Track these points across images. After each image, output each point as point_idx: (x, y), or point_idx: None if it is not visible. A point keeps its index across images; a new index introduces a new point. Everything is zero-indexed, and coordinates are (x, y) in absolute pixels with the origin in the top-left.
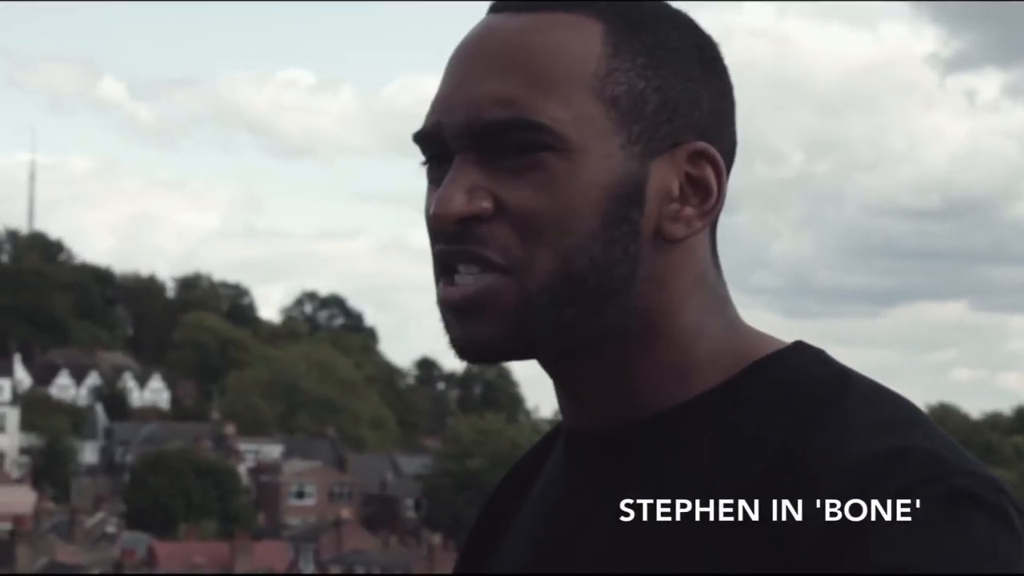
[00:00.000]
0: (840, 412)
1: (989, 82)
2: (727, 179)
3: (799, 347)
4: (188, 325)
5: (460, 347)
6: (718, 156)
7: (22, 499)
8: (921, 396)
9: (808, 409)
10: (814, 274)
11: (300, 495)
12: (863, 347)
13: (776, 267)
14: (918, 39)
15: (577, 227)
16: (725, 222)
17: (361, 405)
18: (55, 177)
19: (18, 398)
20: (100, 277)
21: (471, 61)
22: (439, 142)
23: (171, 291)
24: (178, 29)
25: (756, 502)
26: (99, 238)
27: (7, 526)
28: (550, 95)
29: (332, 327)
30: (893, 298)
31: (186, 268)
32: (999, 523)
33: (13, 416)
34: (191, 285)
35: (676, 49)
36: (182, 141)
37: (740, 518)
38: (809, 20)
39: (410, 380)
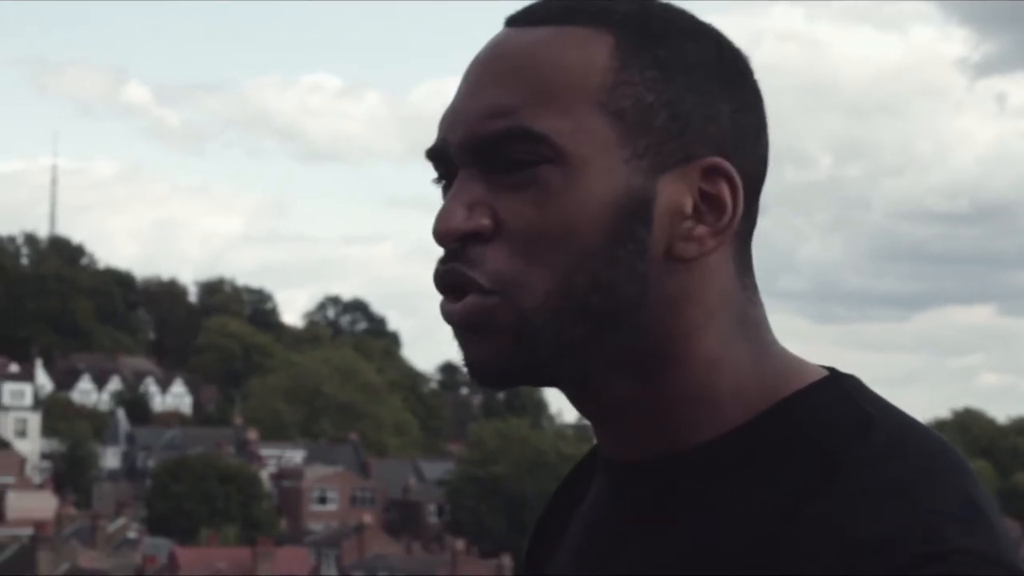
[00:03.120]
0: (849, 474)
1: (1019, 85)
2: (746, 195)
3: (828, 382)
4: (211, 330)
5: (472, 369)
6: (733, 172)
7: (44, 504)
8: (947, 401)
9: (816, 466)
10: (842, 278)
11: (322, 500)
12: (890, 351)
13: (803, 271)
14: (948, 42)
15: (576, 243)
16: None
17: (384, 410)
18: (80, 182)
19: (40, 403)
20: (122, 281)
21: (477, 76)
22: (447, 159)
23: (193, 296)
24: (204, 34)
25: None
26: (123, 243)
27: (29, 531)
28: (549, 105)
29: (355, 332)
30: (921, 303)
31: (210, 273)
32: None
33: (35, 421)
34: (214, 290)
35: (693, 63)
36: (208, 145)
37: None
38: (838, 23)
39: (433, 385)
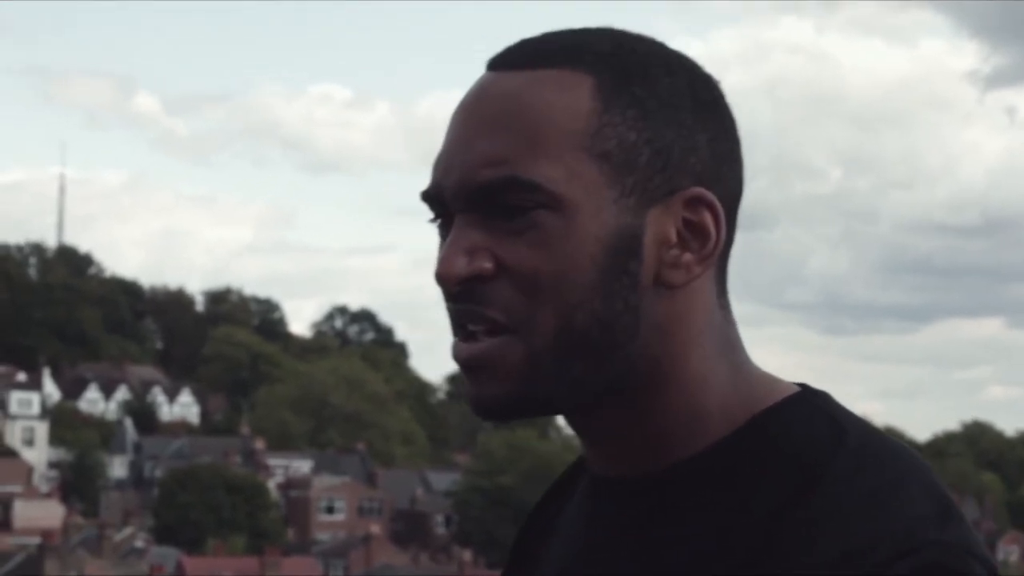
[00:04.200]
0: (828, 484)
1: None
2: (727, 222)
3: (800, 397)
4: (218, 339)
5: (474, 405)
6: (715, 201)
7: (51, 513)
8: (955, 413)
9: (796, 478)
10: (849, 291)
11: (330, 510)
12: (897, 364)
13: (811, 283)
14: (958, 55)
15: (576, 283)
16: (761, 238)
17: (391, 420)
18: (87, 191)
19: (47, 412)
20: (129, 291)
21: (466, 122)
22: (443, 202)
23: (200, 305)
24: (212, 44)
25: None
26: (130, 252)
27: (36, 540)
28: (541, 154)
29: (362, 342)
30: (928, 315)
31: (217, 283)
32: None
33: (42, 430)
34: (221, 299)
35: (669, 97)
36: (215, 156)
37: None
38: (847, 36)
39: (441, 395)
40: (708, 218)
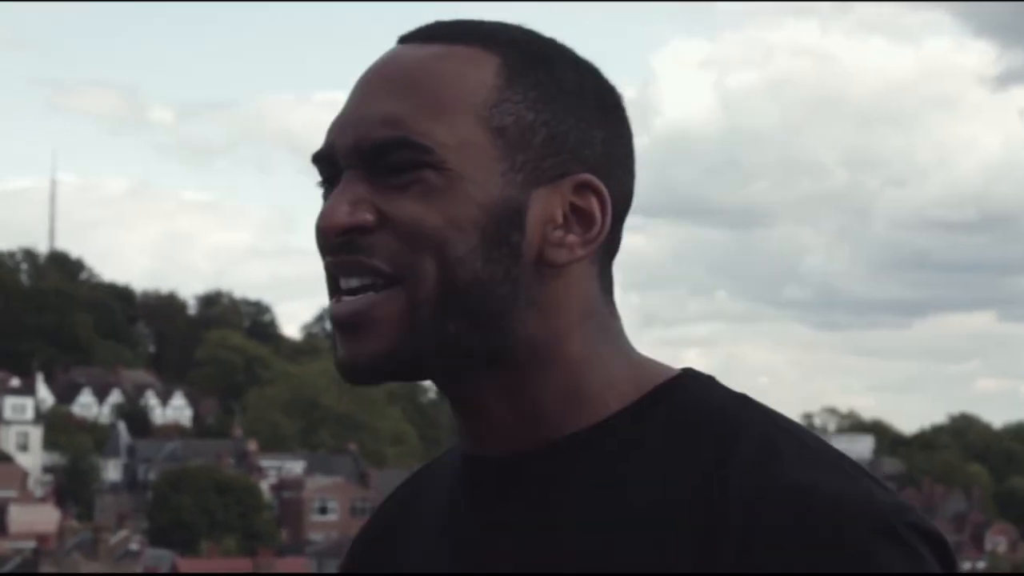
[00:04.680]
0: (750, 439)
1: None
2: (613, 217)
3: (693, 374)
4: (210, 343)
5: (344, 367)
6: (603, 189)
7: (46, 518)
8: (944, 406)
9: (719, 435)
10: (845, 287)
11: (323, 511)
12: (890, 358)
13: (808, 281)
14: (963, 53)
15: (457, 239)
16: (760, 235)
17: (382, 421)
18: (89, 197)
19: (41, 417)
20: (121, 296)
21: (368, 86)
22: (333, 163)
23: (192, 309)
24: (216, 52)
25: (685, 537)
26: (131, 258)
27: (31, 544)
28: (436, 118)
29: None
30: (922, 309)
31: (218, 287)
32: (912, 555)
33: (36, 435)
34: (212, 303)
35: (572, 90)
36: (219, 162)
37: (670, 543)
38: (852, 36)
39: (432, 395)
40: (595, 204)
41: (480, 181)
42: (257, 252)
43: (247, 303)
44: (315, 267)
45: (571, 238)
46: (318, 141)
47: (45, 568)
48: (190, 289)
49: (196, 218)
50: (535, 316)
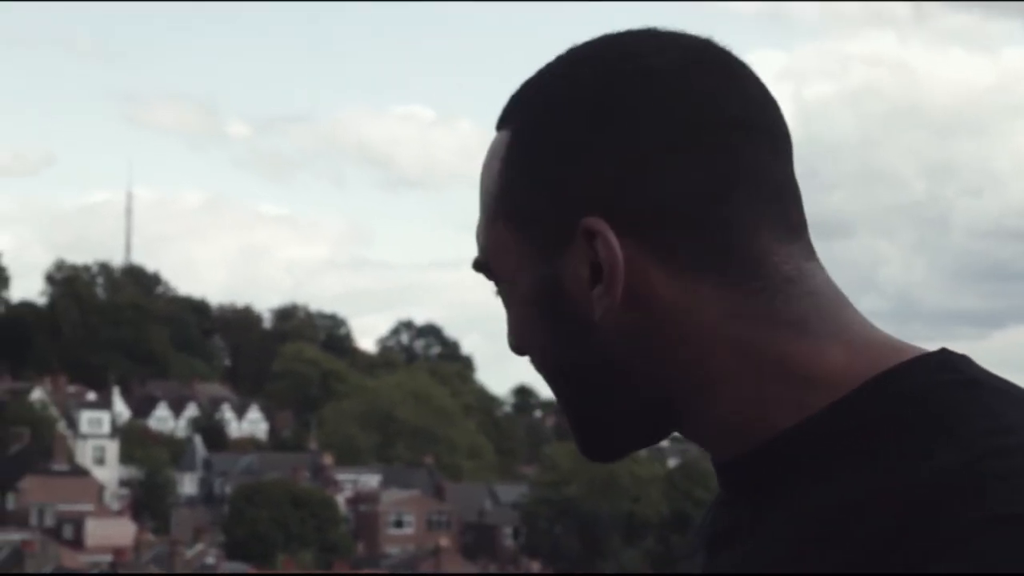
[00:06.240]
0: (966, 431)
1: None
2: (675, 218)
3: (929, 357)
4: (286, 356)
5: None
6: (601, 227)
7: (122, 531)
8: None
9: (932, 428)
10: (923, 298)
11: (398, 524)
12: None
13: (885, 291)
14: None
15: (533, 346)
16: (838, 246)
17: (458, 434)
18: (165, 211)
19: (117, 431)
20: (197, 309)
21: None
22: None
23: (268, 322)
24: (293, 65)
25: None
26: (208, 272)
27: (108, 558)
28: (485, 229)
29: (429, 356)
30: (1000, 320)
31: (292, 300)
32: None
33: (113, 449)
34: (287, 316)
35: (561, 122)
36: (295, 175)
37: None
38: (929, 46)
39: (507, 408)
40: (601, 248)
41: (519, 279)
42: (332, 265)
43: (322, 316)
44: (389, 281)
45: (598, 290)
46: (394, 154)
47: None
48: (265, 302)
49: (272, 231)
50: (652, 375)
